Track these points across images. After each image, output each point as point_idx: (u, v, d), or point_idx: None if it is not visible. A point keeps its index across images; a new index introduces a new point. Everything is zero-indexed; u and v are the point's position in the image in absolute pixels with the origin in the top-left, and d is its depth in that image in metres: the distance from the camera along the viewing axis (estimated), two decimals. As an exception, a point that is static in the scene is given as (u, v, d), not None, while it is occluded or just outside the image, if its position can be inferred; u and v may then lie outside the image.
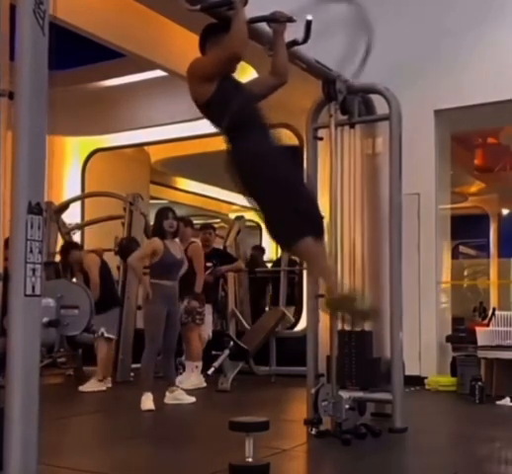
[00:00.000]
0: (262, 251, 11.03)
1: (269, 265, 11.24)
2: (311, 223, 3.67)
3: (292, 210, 3.52)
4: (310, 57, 4.51)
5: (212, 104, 3.50)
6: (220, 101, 3.47)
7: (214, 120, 3.60)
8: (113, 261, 8.15)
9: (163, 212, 6.25)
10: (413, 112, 5.82)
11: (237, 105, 3.42)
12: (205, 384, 7.08)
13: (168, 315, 5.96)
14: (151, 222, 8.85)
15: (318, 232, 3.75)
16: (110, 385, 7.04)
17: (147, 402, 5.72)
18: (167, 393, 6.08)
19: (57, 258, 8.47)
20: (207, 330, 7.55)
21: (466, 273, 13.93)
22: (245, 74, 7.90)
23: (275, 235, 3.75)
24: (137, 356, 7.34)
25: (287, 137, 3.73)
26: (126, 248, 7.81)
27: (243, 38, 3.35)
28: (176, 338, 6.27)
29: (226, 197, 14.75)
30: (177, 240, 6.47)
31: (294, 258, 9.81)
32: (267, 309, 9.85)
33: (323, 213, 3.97)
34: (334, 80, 4.77)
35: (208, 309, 7.60)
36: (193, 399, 6.13)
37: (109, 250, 8.23)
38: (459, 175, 10.58)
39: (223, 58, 3.38)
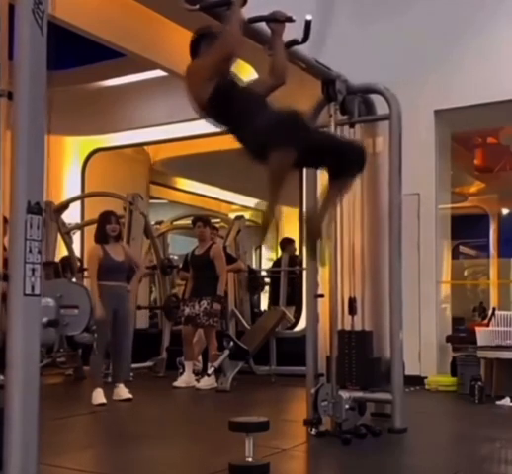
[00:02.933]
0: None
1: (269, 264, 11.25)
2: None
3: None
4: (310, 57, 4.51)
5: (211, 103, 3.49)
6: (219, 99, 3.46)
7: (215, 119, 3.58)
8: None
9: (106, 217, 6.40)
10: (413, 112, 5.83)
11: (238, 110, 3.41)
12: (216, 384, 7.09)
13: (116, 314, 6.16)
14: (152, 222, 8.90)
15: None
16: None
17: (98, 397, 5.95)
18: (114, 390, 6.22)
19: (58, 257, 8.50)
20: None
21: (466, 273, 13.93)
22: (246, 74, 7.90)
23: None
24: (137, 357, 7.36)
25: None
26: None
27: (238, 36, 3.35)
28: (127, 336, 6.48)
29: (226, 196, 14.75)
30: (123, 243, 6.68)
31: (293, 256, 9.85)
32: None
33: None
34: (334, 80, 4.77)
35: None
36: (130, 395, 6.21)
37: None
38: (459, 175, 10.58)
39: (219, 58, 3.37)
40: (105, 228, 6.30)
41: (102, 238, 6.32)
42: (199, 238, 7.52)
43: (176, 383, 7.18)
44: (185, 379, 7.19)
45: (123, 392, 6.22)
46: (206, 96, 3.44)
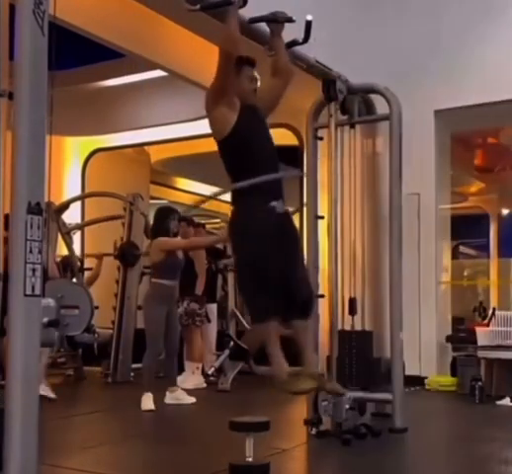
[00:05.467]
0: None
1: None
2: (295, 307, 3.54)
3: (274, 290, 3.35)
4: (310, 57, 4.51)
5: (230, 142, 3.40)
6: (239, 139, 3.39)
7: (231, 167, 3.49)
8: (113, 263, 8.17)
9: (169, 213, 6.23)
10: (413, 112, 5.82)
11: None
12: (205, 385, 7.08)
13: (168, 315, 5.97)
14: (152, 222, 8.90)
15: (302, 314, 3.62)
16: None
17: (148, 402, 5.73)
18: (167, 393, 6.09)
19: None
20: (210, 329, 7.56)
21: (466, 273, 13.92)
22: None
23: (249, 305, 3.65)
24: (137, 356, 7.35)
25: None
26: (126, 252, 7.83)
27: (232, 35, 3.30)
28: (178, 338, 6.29)
29: (226, 197, 14.73)
30: (178, 238, 6.47)
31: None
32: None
33: (314, 293, 3.72)
34: (334, 80, 4.77)
35: (211, 308, 7.63)
36: (193, 399, 6.14)
37: (108, 254, 8.27)
38: (459, 175, 10.57)
39: (221, 62, 3.34)
40: (169, 224, 6.05)
41: (164, 234, 6.05)
42: (181, 237, 7.53)
43: (184, 386, 7.05)
44: (194, 382, 7.10)
45: (182, 396, 6.14)
46: (227, 129, 3.38)
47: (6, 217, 2.49)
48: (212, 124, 3.44)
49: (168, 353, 6.11)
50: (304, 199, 5.39)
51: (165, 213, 6.26)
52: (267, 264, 3.30)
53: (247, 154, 3.42)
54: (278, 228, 3.38)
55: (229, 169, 3.49)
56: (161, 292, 5.96)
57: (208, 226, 8.93)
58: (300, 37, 3.99)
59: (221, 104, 3.37)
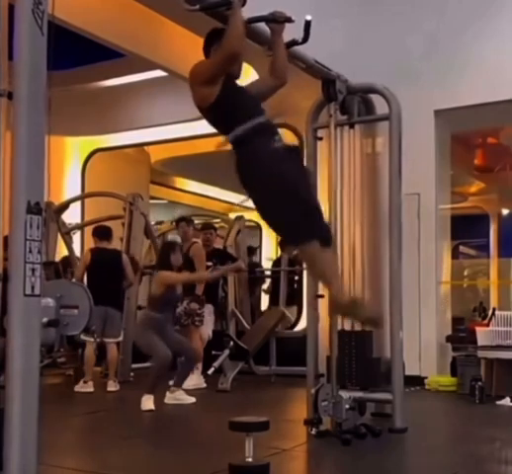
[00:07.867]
0: (252, 252, 10.92)
1: (269, 264, 11.26)
2: (320, 231, 3.53)
3: (303, 213, 3.41)
4: (310, 57, 4.51)
5: (215, 108, 3.48)
6: (224, 105, 3.46)
7: (218, 125, 3.57)
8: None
9: (170, 247, 6.36)
10: (413, 112, 5.82)
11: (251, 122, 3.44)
12: (205, 385, 7.08)
13: (162, 335, 5.96)
14: (152, 222, 8.91)
15: (327, 241, 3.59)
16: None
17: (148, 402, 5.74)
18: (167, 393, 6.09)
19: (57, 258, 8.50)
20: (207, 330, 7.54)
21: (466, 273, 13.92)
22: (245, 74, 7.89)
23: (284, 233, 3.68)
24: (137, 356, 7.35)
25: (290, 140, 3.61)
26: None
27: (240, 35, 3.35)
28: (187, 343, 6.39)
29: (226, 197, 14.76)
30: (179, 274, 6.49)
31: (293, 257, 9.85)
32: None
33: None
34: (334, 80, 4.77)
35: (208, 309, 7.59)
36: (193, 399, 6.15)
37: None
38: (459, 175, 10.57)
39: (222, 57, 3.38)
40: (170, 258, 6.17)
41: (167, 268, 6.17)
42: (181, 238, 7.52)
43: (184, 386, 7.03)
44: (194, 382, 7.09)
45: (182, 396, 6.15)
46: (210, 99, 3.44)
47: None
48: (194, 96, 3.54)
49: (187, 358, 6.21)
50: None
51: (167, 248, 6.42)
52: (290, 186, 3.38)
53: (232, 111, 3.50)
54: (287, 156, 3.49)
55: (218, 124, 3.57)
56: (153, 324, 5.98)
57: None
58: (300, 36, 3.99)
59: (207, 85, 3.45)
